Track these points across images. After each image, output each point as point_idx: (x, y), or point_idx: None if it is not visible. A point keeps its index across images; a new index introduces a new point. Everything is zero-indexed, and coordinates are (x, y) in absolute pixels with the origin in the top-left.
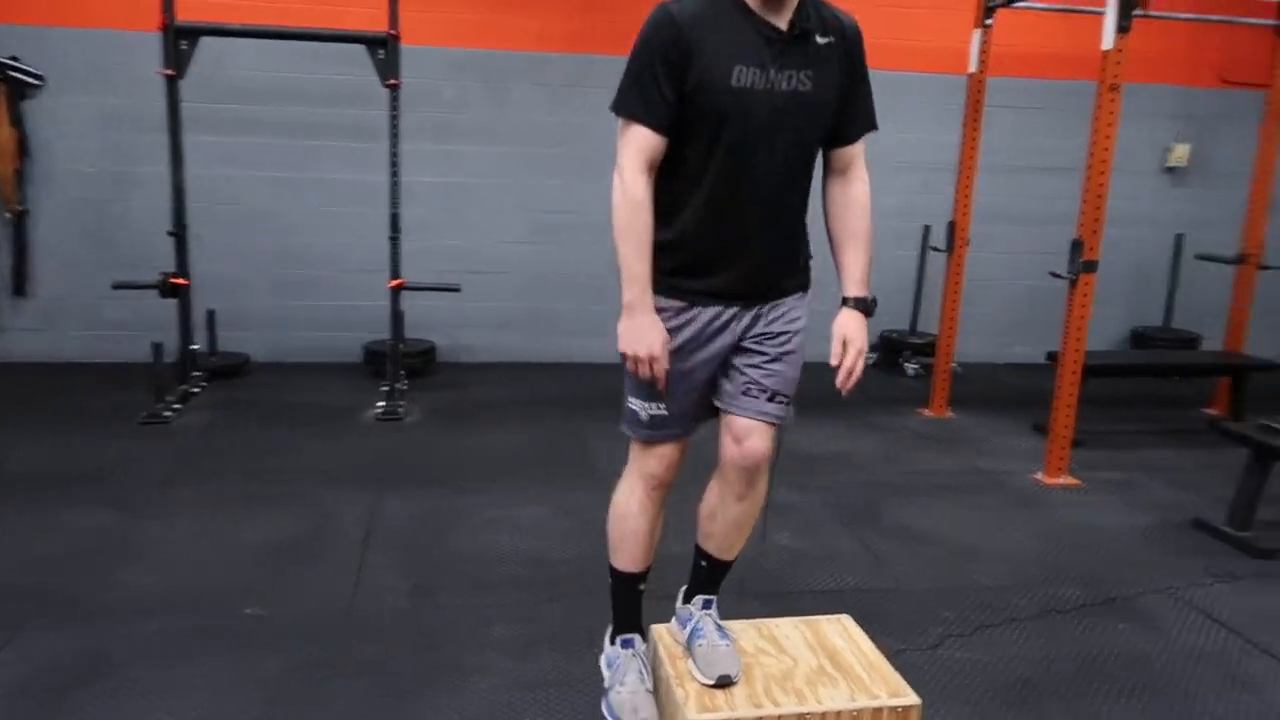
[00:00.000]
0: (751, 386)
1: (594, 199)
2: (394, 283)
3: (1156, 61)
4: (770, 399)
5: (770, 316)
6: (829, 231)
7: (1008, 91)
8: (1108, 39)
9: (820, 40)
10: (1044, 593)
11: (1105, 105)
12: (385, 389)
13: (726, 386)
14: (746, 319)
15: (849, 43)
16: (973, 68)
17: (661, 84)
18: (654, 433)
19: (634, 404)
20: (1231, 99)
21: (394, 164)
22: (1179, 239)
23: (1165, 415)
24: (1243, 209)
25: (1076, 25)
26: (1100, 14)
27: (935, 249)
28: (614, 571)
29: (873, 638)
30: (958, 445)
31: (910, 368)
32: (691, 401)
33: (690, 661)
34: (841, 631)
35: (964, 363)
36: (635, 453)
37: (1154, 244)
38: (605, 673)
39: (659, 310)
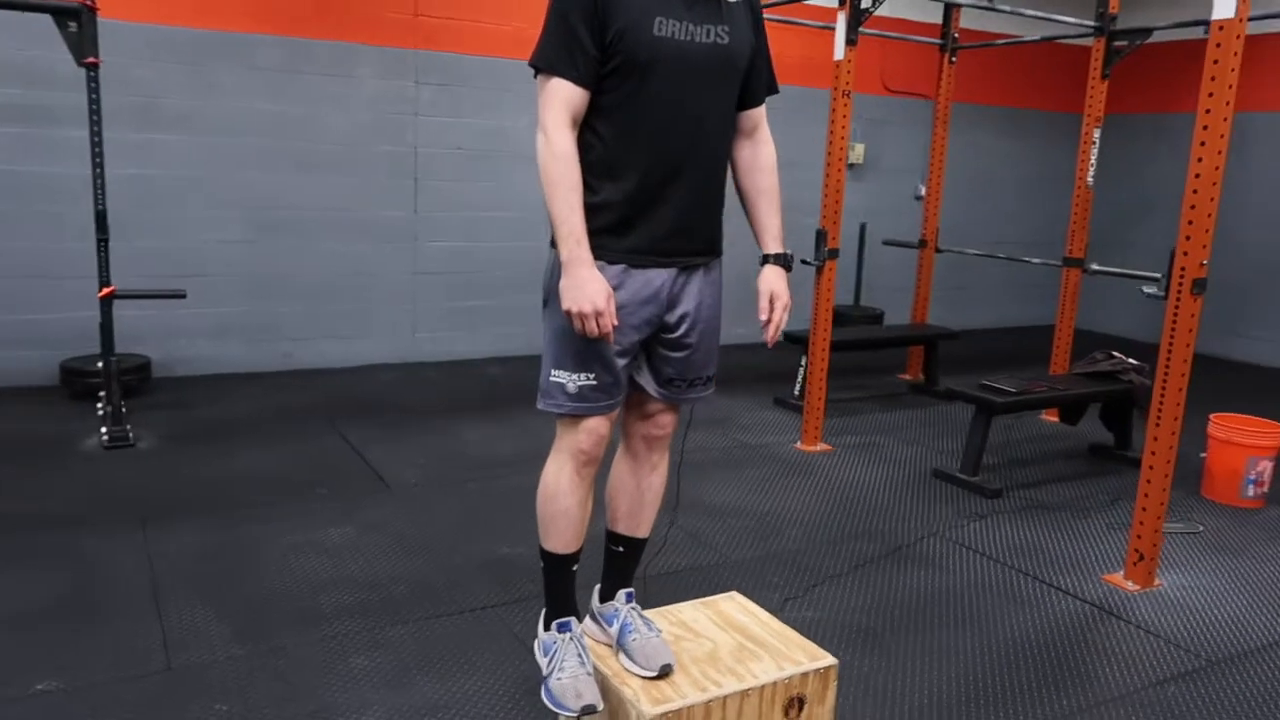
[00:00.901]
0: (676, 379)
1: (319, 194)
2: (104, 291)
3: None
4: (690, 386)
5: (696, 288)
6: (741, 191)
7: None
8: (839, 50)
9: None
10: (846, 549)
11: (840, 109)
12: (104, 412)
13: (649, 366)
14: (677, 285)
15: (753, 3)
16: None
17: (582, 36)
18: (582, 405)
19: (558, 377)
20: (892, 106)
21: (96, 154)
22: (863, 227)
23: (871, 383)
24: (908, 200)
25: (782, 33)
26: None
27: (805, 261)
28: (546, 554)
29: None
30: (717, 424)
31: None
32: (621, 369)
33: (623, 657)
34: (739, 608)
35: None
36: (564, 429)
37: (841, 232)
38: (541, 660)
39: None
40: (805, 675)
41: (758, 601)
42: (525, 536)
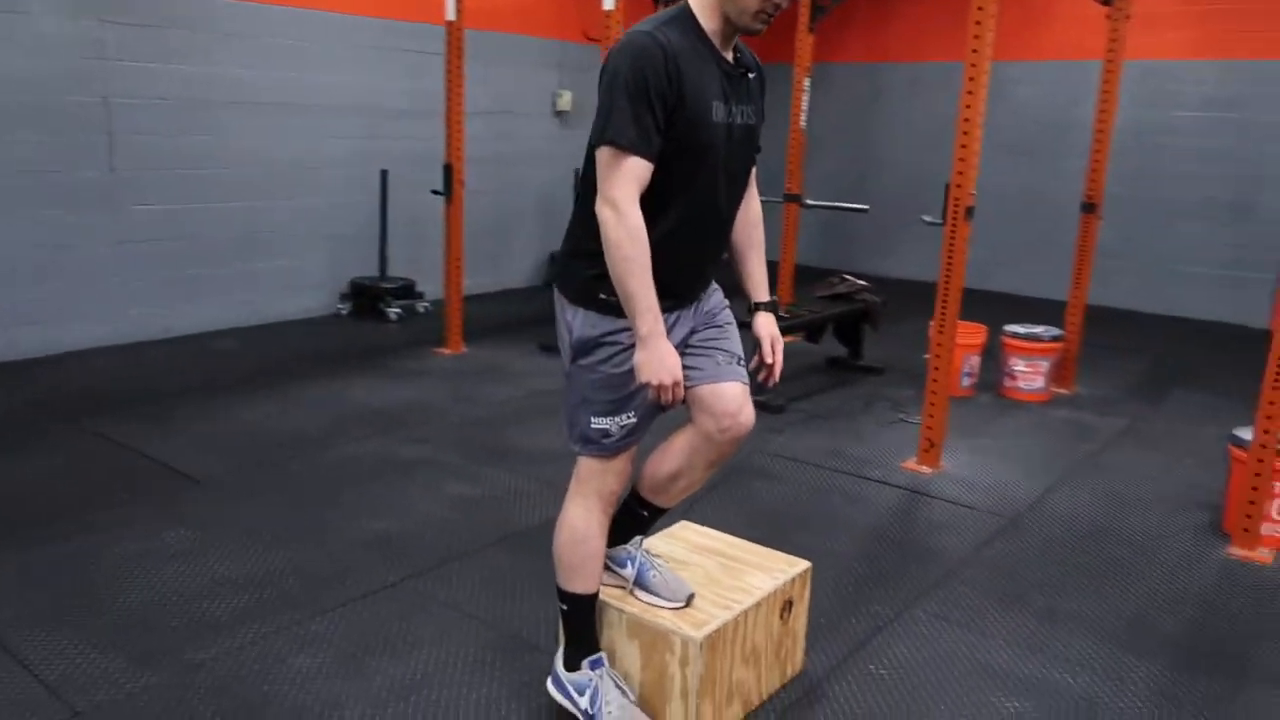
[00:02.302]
0: (729, 358)
1: None
2: None
3: (538, 16)
4: (739, 363)
5: (708, 298)
6: (733, 244)
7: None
8: (609, 1)
9: (750, 76)
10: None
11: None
12: None
13: (702, 365)
14: (694, 308)
15: (762, 78)
16: (450, 15)
17: (656, 114)
18: (624, 442)
19: (602, 424)
20: (593, 54)
21: None
22: (577, 173)
23: None
24: None
25: None
26: None
27: (436, 192)
28: (572, 597)
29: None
30: (500, 373)
31: (393, 312)
32: (653, 402)
33: (645, 594)
34: (698, 534)
35: (432, 299)
36: (592, 473)
37: (555, 178)
38: (579, 702)
39: (624, 329)
40: (792, 580)
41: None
42: (388, 510)
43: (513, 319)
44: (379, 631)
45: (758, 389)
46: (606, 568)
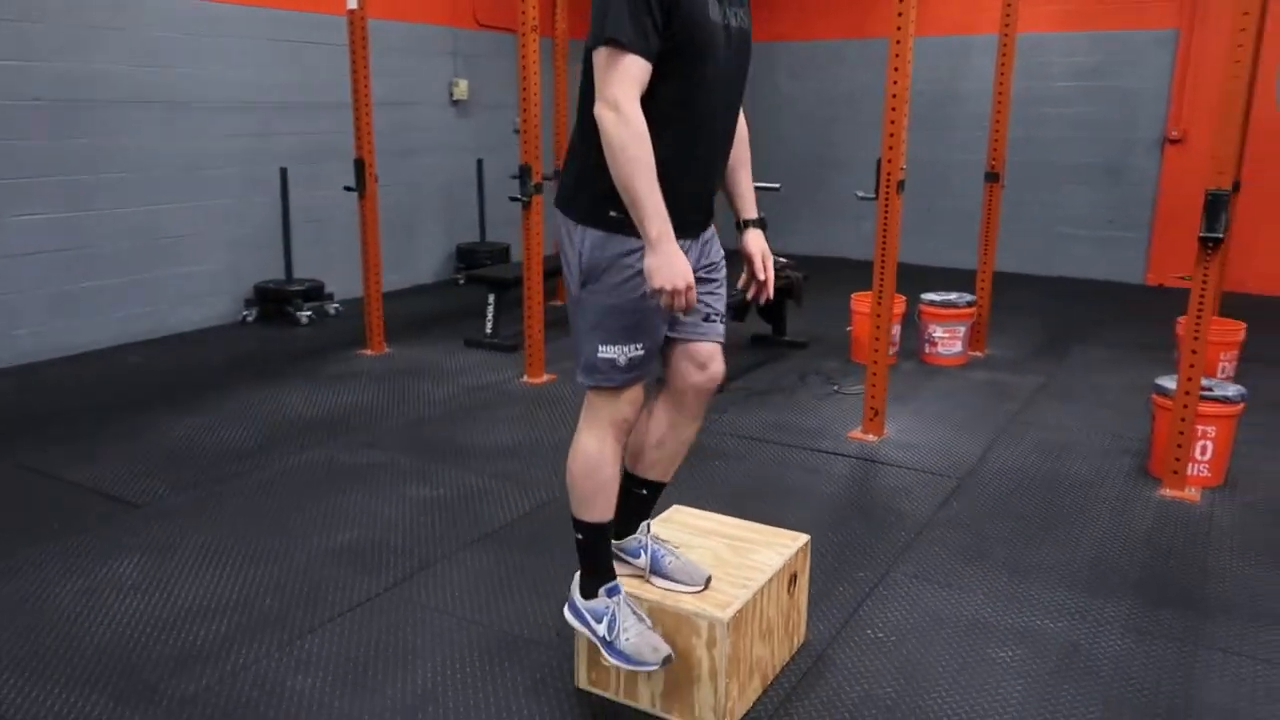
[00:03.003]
0: (712, 313)
1: None
2: None
3: (429, 3)
4: (721, 321)
5: (708, 242)
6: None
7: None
8: None
9: None
10: None
11: (529, 45)
12: None
13: (685, 316)
14: (698, 248)
15: None
16: (352, 4)
17: (655, 14)
18: (631, 375)
19: (609, 353)
20: (487, 40)
21: None
22: (480, 163)
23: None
24: (509, 135)
25: None
26: None
27: (349, 188)
28: (588, 526)
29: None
30: (432, 372)
31: (304, 315)
32: (662, 334)
33: (662, 581)
34: (694, 515)
35: (342, 300)
36: (604, 402)
37: (457, 169)
38: (596, 629)
39: (634, 250)
40: (796, 554)
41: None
42: (351, 519)
43: (430, 316)
44: (374, 644)
45: None
46: (619, 559)
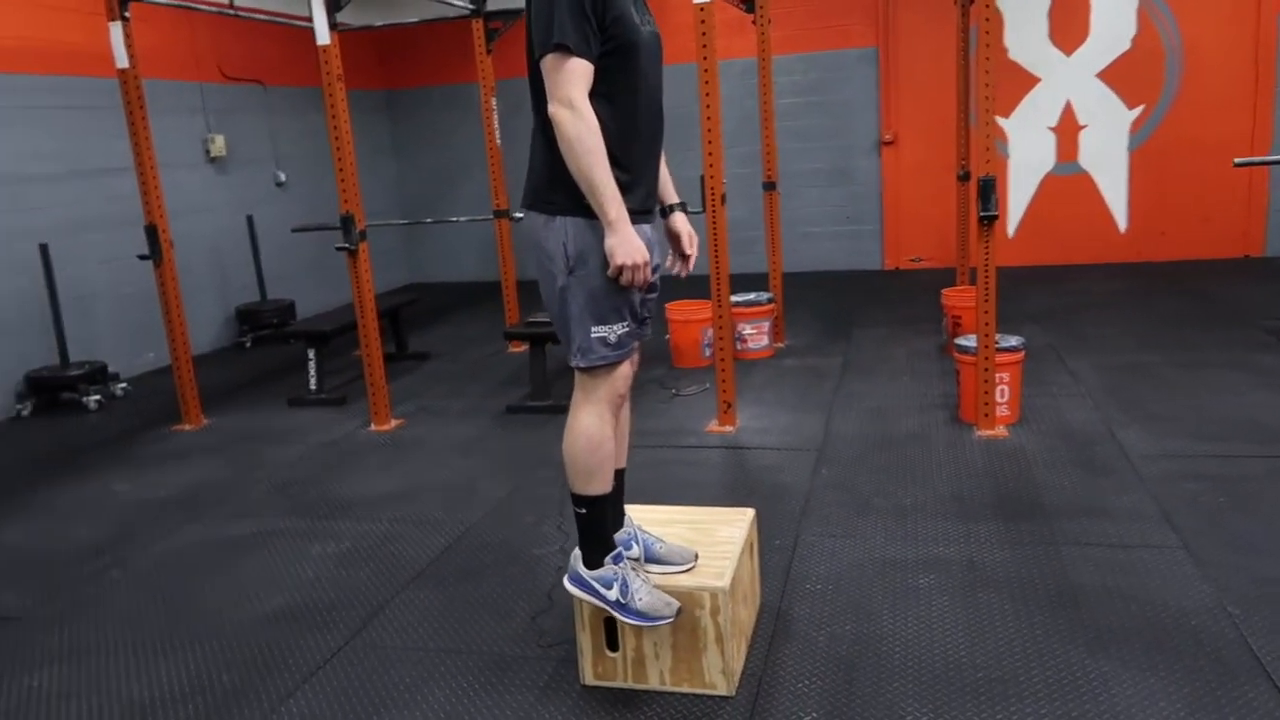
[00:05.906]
0: (648, 318)
1: None
2: None
3: (169, 58)
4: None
5: (657, 237)
6: None
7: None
8: (322, 36)
9: None
10: (528, 481)
11: (337, 95)
12: None
13: (643, 293)
14: (656, 237)
15: None
16: (122, 63)
17: (591, 19)
18: (620, 351)
19: (600, 332)
20: (236, 94)
21: None
22: (250, 219)
23: (355, 361)
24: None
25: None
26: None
27: (144, 257)
28: (592, 499)
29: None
30: (268, 436)
31: (92, 400)
32: (626, 284)
33: (658, 566)
34: (645, 510)
35: (128, 378)
36: (600, 381)
37: (224, 229)
38: (607, 595)
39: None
40: (749, 526)
41: (542, 543)
42: (268, 586)
43: (232, 383)
44: (365, 694)
45: (539, 393)
46: None
